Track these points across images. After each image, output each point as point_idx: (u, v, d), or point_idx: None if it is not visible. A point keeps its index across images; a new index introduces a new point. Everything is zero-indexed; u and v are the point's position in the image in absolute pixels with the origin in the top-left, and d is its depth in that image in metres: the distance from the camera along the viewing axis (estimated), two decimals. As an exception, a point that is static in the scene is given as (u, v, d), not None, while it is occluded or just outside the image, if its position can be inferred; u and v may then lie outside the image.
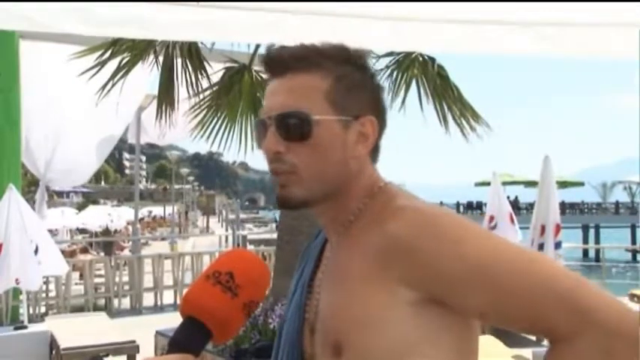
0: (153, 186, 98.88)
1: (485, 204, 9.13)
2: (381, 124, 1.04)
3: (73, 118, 8.61)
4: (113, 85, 5.50)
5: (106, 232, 19.56)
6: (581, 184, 25.34)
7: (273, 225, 31.59)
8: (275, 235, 6.88)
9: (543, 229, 5.42)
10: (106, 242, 15.37)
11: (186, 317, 0.91)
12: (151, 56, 5.64)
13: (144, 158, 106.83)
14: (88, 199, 57.02)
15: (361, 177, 1.02)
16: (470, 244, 0.90)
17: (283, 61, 1.00)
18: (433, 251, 0.89)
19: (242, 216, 41.18)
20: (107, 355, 5.48)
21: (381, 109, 1.05)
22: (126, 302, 9.85)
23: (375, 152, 1.05)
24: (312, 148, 0.97)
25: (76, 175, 10.30)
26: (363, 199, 1.02)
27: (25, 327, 5.90)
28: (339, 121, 0.99)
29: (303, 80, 0.99)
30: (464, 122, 5.85)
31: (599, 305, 0.84)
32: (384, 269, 0.91)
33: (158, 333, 5.43)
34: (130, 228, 19.54)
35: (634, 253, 27.07)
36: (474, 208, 38.70)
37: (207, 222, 42.80)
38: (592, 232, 40.35)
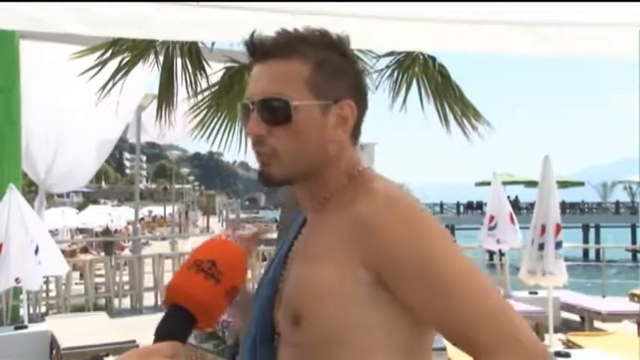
0: (153, 186, 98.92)
1: (486, 204, 9.13)
2: (362, 108, 1.07)
3: (73, 119, 8.58)
4: (114, 85, 5.51)
5: (107, 231, 19.56)
6: (582, 183, 25.35)
7: (274, 225, 31.59)
8: (275, 235, 6.87)
9: (544, 228, 5.41)
10: (107, 242, 15.37)
11: (171, 306, 0.92)
12: (152, 56, 5.65)
13: (144, 158, 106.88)
14: (88, 198, 57.03)
15: (341, 159, 1.06)
16: (430, 236, 0.95)
17: (265, 47, 1.04)
18: (393, 234, 0.93)
19: (242, 216, 41.18)
20: (107, 355, 5.48)
21: (361, 93, 1.08)
22: (126, 302, 9.84)
23: (355, 135, 1.08)
24: (292, 133, 1.01)
25: (76, 179, 10.27)
26: (341, 181, 1.06)
27: (26, 327, 5.91)
28: (319, 106, 1.02)
29: (284, 66, 1.02)
30: (465, 122, 5.85)
31: (521, 328, 0.94)
32: (348, 247, 0.96)
33: (158, 333, 5.43)
34: (130, 228, 19.53)
35: (634, 253, 27.05)
36: (474, 208, 38.63)
37: (208, 222, 42.82)
38: (592, 231, 40.33)
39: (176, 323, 0.91)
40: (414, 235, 0.94)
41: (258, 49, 1.04)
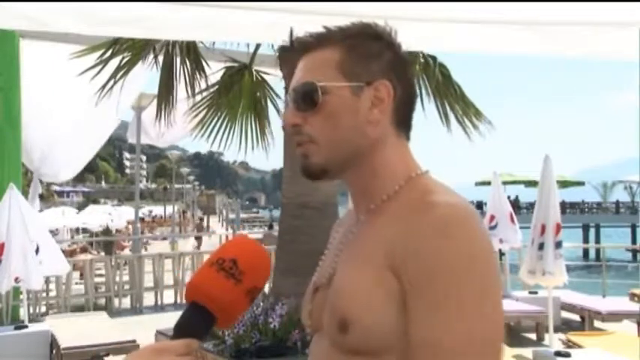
0: (153, 185, 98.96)
1: (486, 204, 9.12)
2: (403, 92, 1.03)
3: (69, 114, 8.58)
4: (115, 84, 5.51)
5: (107, 231, 19.57)
6: (582, 183, 25.28)
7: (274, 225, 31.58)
8: (276, 234, 6.86)
9: (544, 228, 5.41)
10: (107, 242, 15.37)
11: (190, 303, 0.92)
12: (151, 55, 5.65)
13: (144, 158, 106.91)
14: (88, 198, 57.08)
15: (385, 146, 1.02)
16: (472, 272, 0.87)
17: (302, 43, 1.06)
18: (431, 254, 0.88)
19: (242, 215, 41.21)
20: (107, 355, 5.49)
21: (401, 77, 1.04)
22: (126, 302, 9.85)
23: (399, 124, 1.04)
24: (324, 116, 1.00)
25: (68, 169, 10.28)
26: (397, 181, 1.01)
27: (26, 326, 5.91)
28: (349, 88, 1.00)
29: (317, 55, 1.03)
30: (466, 121, 5.84)
31: None
32: (390, 257, 0.92)
33: (159, 332, 5.44)
34: (131, 227, 19.55)
35: (634, 252, 27.05)
36: (474, 207, 38.69)
37: (208, 221, 42.82)
38: (592, 231, 40.34)
39: (195, 320, 0.91)
40: (456, 262, 0.86)
41: (297, 46, 1.06)
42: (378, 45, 1.03)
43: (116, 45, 5.37)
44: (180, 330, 0.90)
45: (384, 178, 1.01)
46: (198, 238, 20.59)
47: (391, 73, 1.02)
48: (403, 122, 1.05)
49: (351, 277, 0.97)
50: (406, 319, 0.89)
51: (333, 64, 1.01)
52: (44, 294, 9.07)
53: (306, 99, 1.00)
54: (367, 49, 1.02)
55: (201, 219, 28.77)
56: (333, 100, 1.00)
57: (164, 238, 23.59)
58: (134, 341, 5.43)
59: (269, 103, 6.39)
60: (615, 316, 7.17)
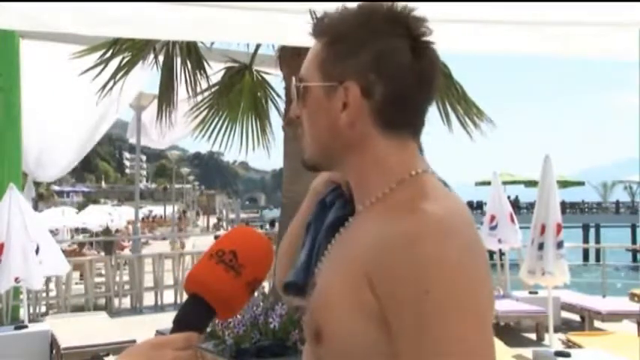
0: (153, 185, 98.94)
1: (486, 204, 9.12)
2: (393, 93, 0.92)
3: (68, 115, 8.56)
4: (115, 84, 5.51)
5: (107, 231, 19.56)
6: (582, 183, 25.26)
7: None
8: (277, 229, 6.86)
9: (544, 228, 5.41)
10: (107, 241, 15.36)
11: (190, 295, 0.91)
12: (151, 55, 5.65)
13: (144, 158, 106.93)
14: (89, 198, 57.10)
15: (370, 148, 0.94)
16: (441, 287, 0.80)
17: (313, 29, 1.02)
18: (401, 267, 0.82)
19: (242, 215, 41.28)
20: (107, 355, 5.49)
21: (390, 74, 0.92)
22: (126, 302, 9.84)
23: (391, 124, 0.94)
24: (307, 114, 1.00)
25: (64, 168, 10.24)
26: (388, 183, 0.93)
27: (26, 326, 5.91)
28: (322, 88, 0.95)
29: (315, 45, 1.00)
30: (467, 121, 5.83)
31: None
32: (365, 266, 0.86)
33: (158, 332, 5.43)
34: (131, 227, 19.55)
35: (634, 252, 27.03)
36: (474, 207, 38.66)
37: (208, 221, 42.82)
38: (592, 231, 40.34)
39: (195, 313, 0.90)
40: (425, 283, 0.80)
41: (312, 31, 1.02)
42: (365, 36, 0.92)
43: (116, 45, 5.36)
44: (180, 323, 0.89)
45: (373, 180, 0.94)
46: (218, 237, 20.74)
47: (374, 69, 0.91)
48: (393, 122, 0.94)
49: (328, 282, 0.92)
50: (391, 334, 0.83)
51: (316, 59, 0.97)
52: (44, 294, 9.07)
53: (297, 95, 1.00)
54: (348, 43, 0.93)
55: (219, 219, 28.80)
56: (311, 99, 0.97)
57: (164, 238, 23.58)
58: (134, 341, 5.42)
59: (270, 103, 6.39)
60: (615, 316, 7.18)
